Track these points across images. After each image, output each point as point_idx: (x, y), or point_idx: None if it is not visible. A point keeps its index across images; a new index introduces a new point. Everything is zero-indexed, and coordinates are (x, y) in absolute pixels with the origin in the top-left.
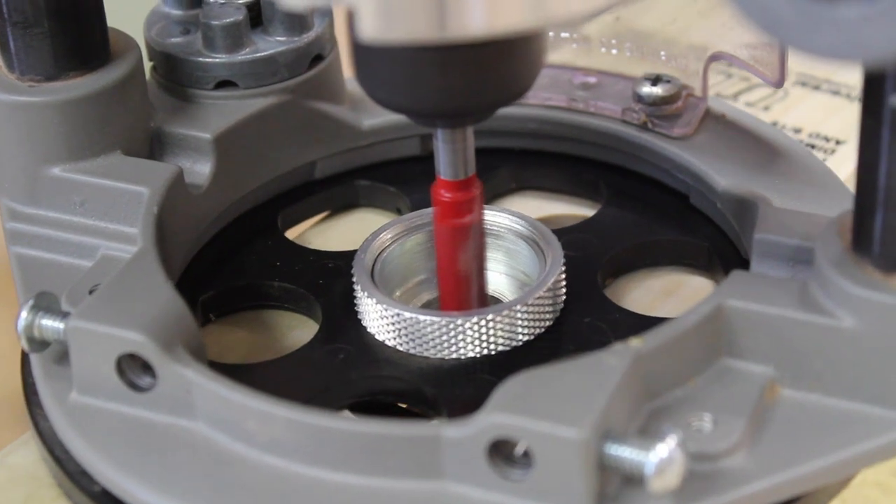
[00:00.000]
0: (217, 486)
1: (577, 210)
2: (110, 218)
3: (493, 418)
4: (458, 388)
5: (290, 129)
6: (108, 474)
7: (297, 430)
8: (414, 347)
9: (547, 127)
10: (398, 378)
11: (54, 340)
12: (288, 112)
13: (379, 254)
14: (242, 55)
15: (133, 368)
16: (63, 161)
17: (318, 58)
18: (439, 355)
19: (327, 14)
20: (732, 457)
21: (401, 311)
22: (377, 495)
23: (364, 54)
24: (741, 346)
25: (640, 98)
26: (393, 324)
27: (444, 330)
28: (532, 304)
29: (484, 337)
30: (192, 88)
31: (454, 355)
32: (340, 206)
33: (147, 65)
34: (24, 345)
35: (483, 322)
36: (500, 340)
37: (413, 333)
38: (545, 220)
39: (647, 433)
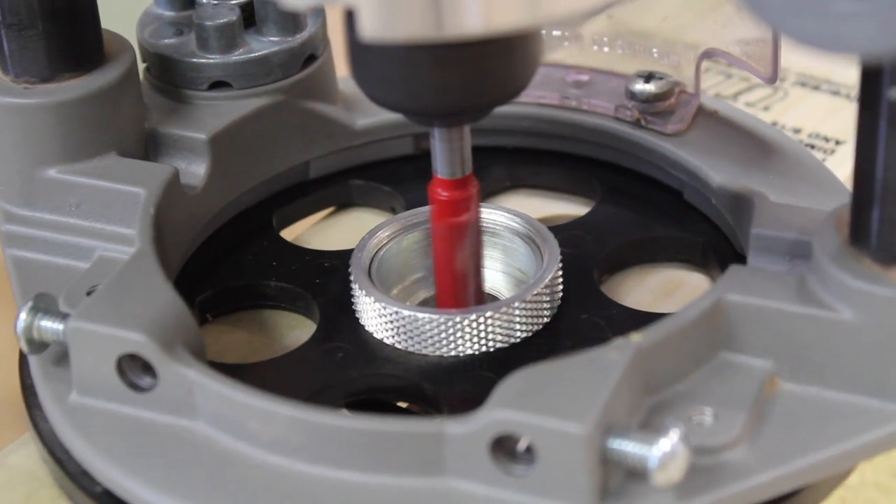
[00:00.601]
0: (219, 485)
1: (572, 207)
2: (106, 219)
3: (495, 414)
4: (457, 385)
5: (284, 129)
6: (110, 475)
7: (299, 428)
8: (412, 345)
9: (540, 125)
10: (397, 376)
11: (53, 342)
12: (282, 112)
13: (376, 252)
14: (236, 56)
15: (133, 369)
16: (58, 163)
17: (312, 58)
18: (438, 353)
19: (320, 14)
20: (733, 450)
21: (399, 309)
22: (380, 493)
23: (361, 54)
24: (740, 341)
25: (632, 95)
26: (391, 322)
27: (442, 327)
28: (530, 301)
29: (482, 334)
30: (186, 89)
31: (453, 353)
32: (335, 205)
33: (140, 66)
34: (24, 346)
35: (481, 319)
36: (499, 337)
37: (412, 331)
38: (540, 218)
39: (649, 428)
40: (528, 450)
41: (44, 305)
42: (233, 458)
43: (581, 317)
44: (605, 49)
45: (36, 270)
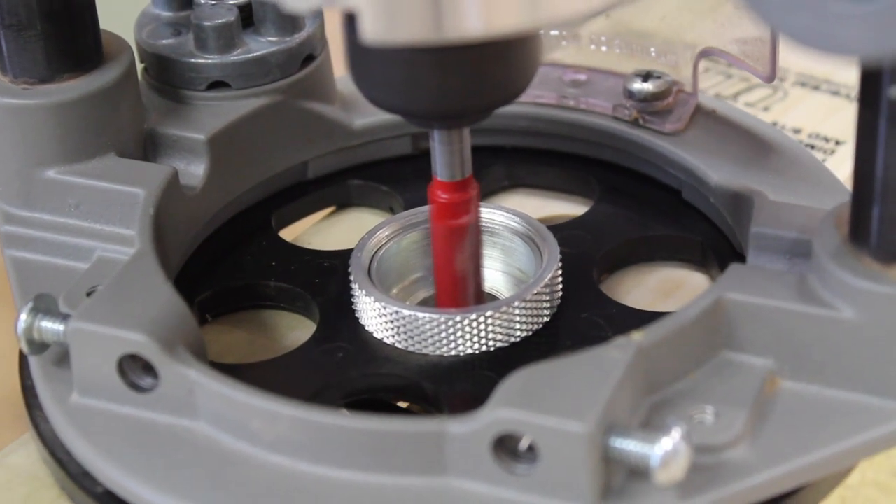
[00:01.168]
0: (220, 485)
1: (570, 207)
2: (106, 220)
3: (497, 413)
4: (457, 385)
5: (282, 129)
6: (112, 475)
7: (300, 428)
8: (413, 345)
9: (538, 124)
10: (398, 375)
11: (54, 342)
12: (280, 112)
13: (375, 252)
14: (234, 56)
15: (134, 369)
16: (57, 163)
17: (310, 58)
18: (438, 352)
19: (318, 14)
20: (734, 449)
21: (399, 309)
22: (382, 492)
23: (361, 56)
24: (741, 339)
25: (630, 94)
26: (391, 321)
27: (442, 327)
28: (530, 301)
29: (482, 333)
30: (185, 90)
31: (453, 352)
32: (334, 205)
33: (138, 66)
34: (24, 347)
35: (482, 319)
36: (499, 337)
37: (412, 331)
38: (538, 218)
39: (650, 426)
40: (530, 449)
41: (44, 306)
42: (234, 458)
43: (581, 316)
44: (603, 48)
45: (35, 271)
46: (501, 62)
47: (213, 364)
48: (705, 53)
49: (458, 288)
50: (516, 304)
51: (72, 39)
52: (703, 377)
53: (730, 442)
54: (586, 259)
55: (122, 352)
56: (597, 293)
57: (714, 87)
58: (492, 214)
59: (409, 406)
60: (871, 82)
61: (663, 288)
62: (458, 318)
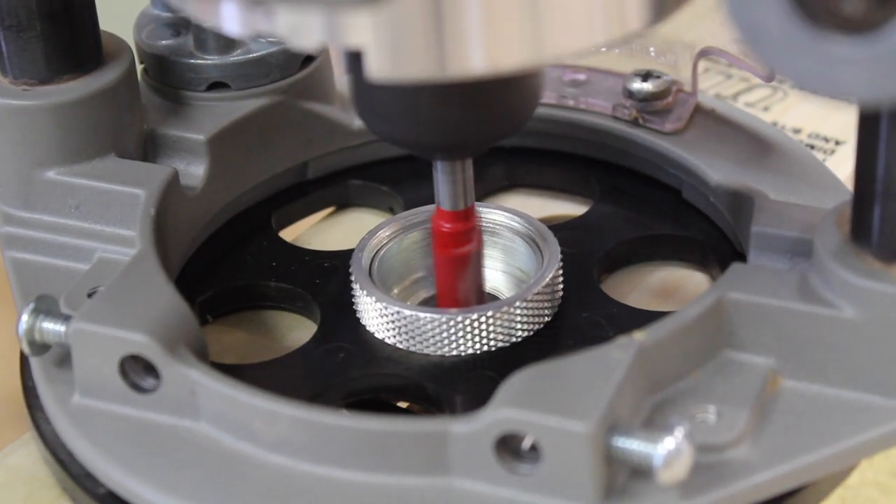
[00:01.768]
0: (222, 485)
1: (570, 207)
2: (106, 220)
3: (500, 413)
4: (458, 385)
5: (282, 129)
6: (113, 476)
7: (302, 428)
8: (414, 345)
9: (538, 124)
10: (399, 375)
11: (55, 343)
12: (280, 113)
13: (376, 252)
14: (234, 56)
15: (136, 370)
16: (57, 164)
17: (310, 58)
18: (439, 352)
19: None
20: (737, 448)
21: (400, 309)
22: (384, 492)
23: (364, 89)
24: (742, 338)
25: (630, 94)
26: (393, 322)
27: (444, 327)
28: (531, 301)
29: (484, 334)
30: (184, 90)
31: (454, 352)
32: (334, 205)
33: (138, 67)
34: (26, 348)
35: (483, 319)
36: (500, 337)
37: (413, 331)
38: (539, 218)
39: (652, 426)
40: (533, 449)
41: (45, 307)
42: (236, 459)
43: (582, 316)
44: (603, 48)
45: (36, 272)
46: (504, 96)
47: (214, 364)
48: (705, 53)
49: (460, 305)
50: (517, 304)
51: (71, 40)
52: (704, 376)
53: (732, 441)
54: (587, 259)
55: (124, 352)
56: (597, 293)
57: (714, 87)
58: (492, 214)
59: (411, 406)
60: None
61: (664, 288)
62: (459, 318)
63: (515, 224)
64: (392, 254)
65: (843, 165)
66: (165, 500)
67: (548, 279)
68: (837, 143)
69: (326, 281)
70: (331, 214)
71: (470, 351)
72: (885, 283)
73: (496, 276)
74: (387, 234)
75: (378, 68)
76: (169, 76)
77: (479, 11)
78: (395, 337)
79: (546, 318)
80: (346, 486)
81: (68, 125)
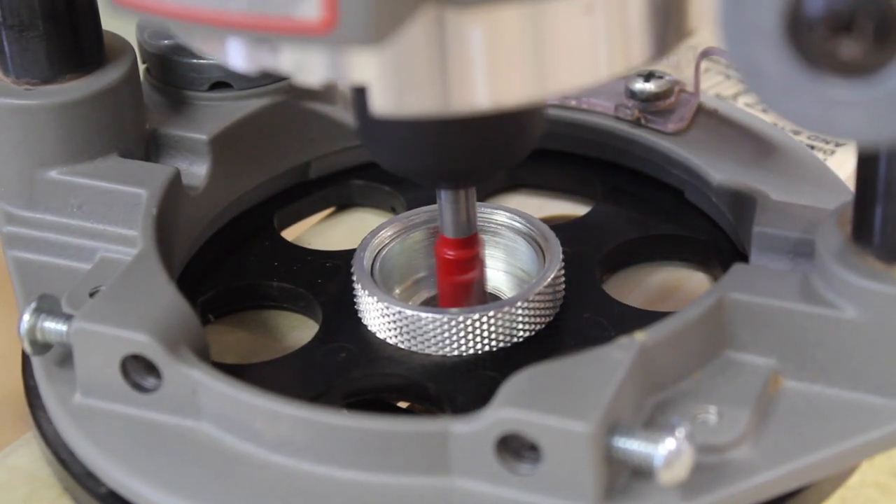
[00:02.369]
0: (225, 485)
1: (572, 207)
2: (108, 220)
3: (501, 413)
4: (460, 385)
5: (284, 129)
6: (115, 475)
7: (304, 428)
8: (415, 345)
9: None
10: (401, 375)
11: (57, 343)
12: (282, 112)
13: (378, 252)
14: None
15: (137, 370)
16: (60, 164)
17: None
18: (441, 352)
19: None
20: (738, 448)
21: (402, 309)
22: (385, 492)
23: (368, 120)
24: (744, 339)
25: (632, 94)
26: (394, 322)
27: (445, 327)
28: (532, 301)
29: (485, 334)
30: (187, 90)
31: (455, 352)
32: (335, 205)
33: (140, 67)
34: (27, 348)
35: (484, 319)
36: (501, 337)
37: (415, 331)
38: (541, 218)
39: (653, 426)
40: (534, 449)
41: (47, 307)
42: (237, 459)
43: (583, 316)
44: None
45: (38, 272)
46: (507, 128)
47: (215, 364)
48: (707, 53)
49: None
50: (519, 304)
51: (74, 40)
52: (706, 377)
53: (733, 442)
54: (588, 259)
55: (126, 352)
56: (599, 293)
57: (714, 88)
58: (494, 214)
59: (412, 406)
60: None
61: (666, 288)
62: (461, 319)
63: (517, 224)
64: (394, 254)
65: (843, 166)
66: (167, 499)
67: (549, 279)
68: (837, 143)
69: (328, 281)
70: (333, 214)
71: (471, 351)
72: (886, 283)
73: (498, 276)
74: (389, 233)
75: (382, 104)
76: (171, 76)
77: (483, 49)
78: (396, 337)
79: (547, 319)
80: (347, 485)
81: (71, 125)
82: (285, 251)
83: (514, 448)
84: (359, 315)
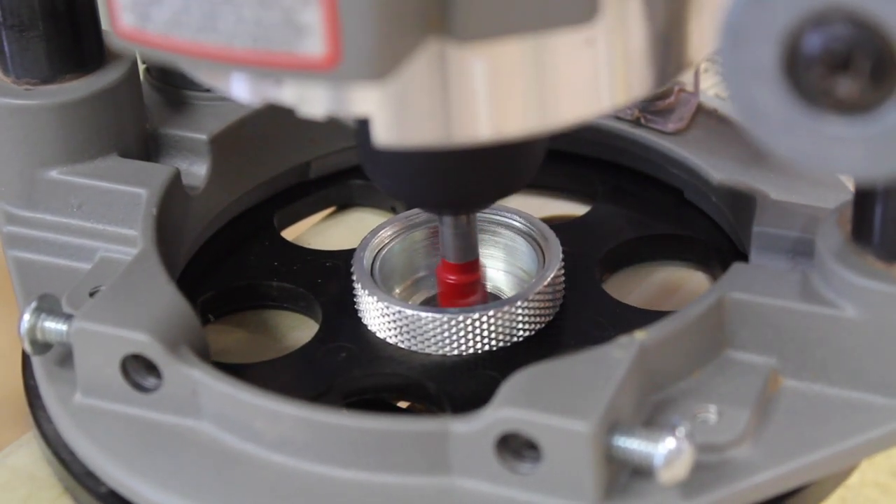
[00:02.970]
0: (225, 485)
1: (572, 206)
2: (108, 220)
3: (501, 413)
4: (460, 384)
5: (284, 129)
6: (115, 475)
7: (304, 427)
8: (415, 344)
9: None
10: (401, 375)
11: (57, 342)
12: (282, 112)
13: (378, 251)
14: None
15: (138, 369)
16: (60, 164)
17: None
18: (441, 352)
19: None
20: (738, 447)
21: (402, 309)
22: (385, 492)
23: (373, 152)
24: (744, 338)
25: None
26: (394, 321)
27: (445, 326)
28: (532, 300)
29: (485, 333)
30: (187, 90)
31: (455, 352)
32: (335, 205)
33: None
34: (27, 347)
35: (484, 318)
36: (501, 336)
37: (415, 330)
38: (540, 218)
39: (653, 425)
40: (534, 448)
41: (47, 306)
42: (238, 458)
43: (583, 315)
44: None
45: (38, 272)
46: (508, 157)
47: (215, 364)
48: None
49: None
50: (519, 303)
51: (74, 40)
52: (706, 376)
53: (733, 441)
54: (588, 258)
55: (126, 352)
56: (599, 293)
57: (714, 87)
58: (494, 214)
59: (412, 406)
60: None
61: (666, 287)
62: (460, 318)
63: (517, 223)
64: (394, 253)
65: None
66: (167, 499)
67: (549, 279)
68: None
69: (328, 281)
70: (332, 214)
71: (471, 350)
72: (886, 282)
73: (498, 275)
74: (388, 233)
75: (385, 135)
76: (171, 76)
77: (485, 83)
78: (396, 336)
79: (547, 318)
80: (347, 485)
81: (70, 125)
82: (285, 251)
83: (514, 447)
84: (359, 315)
